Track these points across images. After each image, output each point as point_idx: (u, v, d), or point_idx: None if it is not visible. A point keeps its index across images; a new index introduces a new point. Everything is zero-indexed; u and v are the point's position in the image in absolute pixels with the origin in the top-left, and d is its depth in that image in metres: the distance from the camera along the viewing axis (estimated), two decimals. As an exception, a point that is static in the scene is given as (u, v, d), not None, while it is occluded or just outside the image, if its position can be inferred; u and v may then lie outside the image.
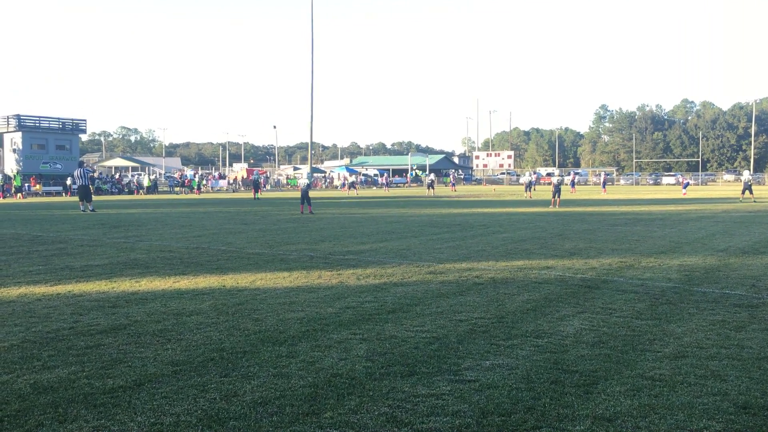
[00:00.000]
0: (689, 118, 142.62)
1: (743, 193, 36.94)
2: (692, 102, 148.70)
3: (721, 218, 22.45)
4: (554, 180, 32.74)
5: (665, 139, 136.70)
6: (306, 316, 7.26)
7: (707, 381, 5.02)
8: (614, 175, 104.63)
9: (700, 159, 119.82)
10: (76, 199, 34.55)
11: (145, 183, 61.52)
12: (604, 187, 52.97)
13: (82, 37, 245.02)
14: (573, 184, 56.00)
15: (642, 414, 4.37)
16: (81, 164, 31.65)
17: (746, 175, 38.94)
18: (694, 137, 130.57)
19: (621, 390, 4.82)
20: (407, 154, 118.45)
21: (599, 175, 76.96)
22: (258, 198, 43.13)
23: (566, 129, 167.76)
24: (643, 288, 8.94)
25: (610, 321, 6.98)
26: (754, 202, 34.61)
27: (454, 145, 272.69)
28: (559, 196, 31.10)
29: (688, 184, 52.72)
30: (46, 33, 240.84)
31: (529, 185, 43.97)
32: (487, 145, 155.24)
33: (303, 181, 27.97)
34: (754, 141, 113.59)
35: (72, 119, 61.62)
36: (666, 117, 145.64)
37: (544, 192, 48.89)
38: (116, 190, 58.93)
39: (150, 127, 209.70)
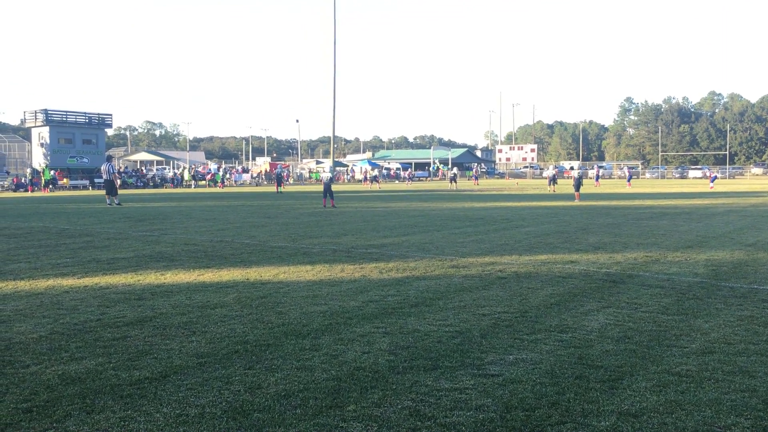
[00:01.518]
0: (716, 110, 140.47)
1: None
2: (720, 94, 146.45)
3: (749, 212, 22.09)
4: (574, 174, 32.54)
5: (692, 132, 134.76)
6: (329, 309, 7.28)
7: (735, 377, 4.95)
8: (639, 168, 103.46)
9: (727, 152, 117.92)
10: (102, 192, 34.97)
11: (186, 176, 62.33)
12: (629, 181, 52.39)
13: (108, 33, 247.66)
14: (597, 177, 55.49)
15: (668, 410, 4.32)
16: (109, 159, 32.05)
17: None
18: (722, 130, 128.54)
19: (647, 386, 4.77)
20: (429, 148, 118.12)
21: (623, 168, 76.08)
22: (281, 192, 43.32)
23: (590, 122, 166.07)
24: (669, 283, 8.84)
25: (636, 316, 6.91)
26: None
27: (477, 138, 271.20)
28: (578, 190, 30.90)
29: (715, 177, 51.99)
30: (73, 28, 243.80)
31: (552, 179, 43.76)
32: (510, 139, 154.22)
33: (326, 175, 28.08)
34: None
35: (98, 114, 62.36)
36: (693, 109, 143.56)
37: (566, 185, 48.49)
38: (141, 184, 59.55)
39: (174, 121, 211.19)
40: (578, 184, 31.22)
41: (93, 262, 11.08)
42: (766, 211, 22.39)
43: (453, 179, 53.00)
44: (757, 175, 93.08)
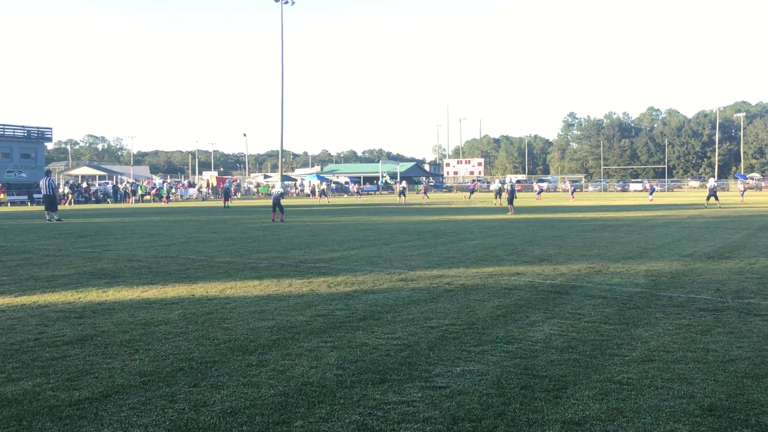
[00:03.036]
0: (655, 125, 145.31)
1: (708, 199, 37.70)
2: (658, 110, 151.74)
3: (687, 224, 22.85)
4: (506, 187, 34.16)
5: (632, 146, 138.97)
6: (276, 324, 7.22)
7: (674, 384, 5.09)
8: (583, 181, 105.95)
9: (666, 165, 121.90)
10: (41, 208, 33.92)
11: (139, 191, 60.92)
12: (572, 194, 53.81)
13: (48, 43, 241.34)
14: (539, 191, 56.82)
15: (610, 418, 4.42)
16: (48, 174, 31.18)
17: (711, 181, 39.84)
18: (660, 144, 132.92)
19: (590, 394, 4.87)
20: (378, 162, 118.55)
21: (566, 182, 78.05)
22: (228, 206, 42.80)
23: (535, 136, 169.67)
24: (611, 293, 9.06)
25: (579, 326, 7.05)
26: (720, 207, 35.30)
27: (425, 152, 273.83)
28: (505, 201, 32.16)
29: (654, 190, 53.58)
30: (10, 38, 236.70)
31: (498, 192, 44.59)
32: (457, 153, 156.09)
33: (276, 190, 27.93)
34: (718, 148, 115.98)
35: (37, 127, 60.66)
36: (633, 124, 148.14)
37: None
38: (83, 199, 58.01)
39: (118, 135, 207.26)
40: (511, 197, 32.33)
41: (31, 279, 10.73)
42: (702, 223, 23.20)
43: (402, 193, 53.31)
44: (694, 187, 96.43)
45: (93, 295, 9.13)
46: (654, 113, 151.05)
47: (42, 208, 30.29)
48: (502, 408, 4.59)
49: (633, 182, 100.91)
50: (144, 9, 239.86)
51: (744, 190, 51.27)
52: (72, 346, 6.32)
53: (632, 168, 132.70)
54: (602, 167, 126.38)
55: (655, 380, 5.19)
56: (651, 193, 50.80)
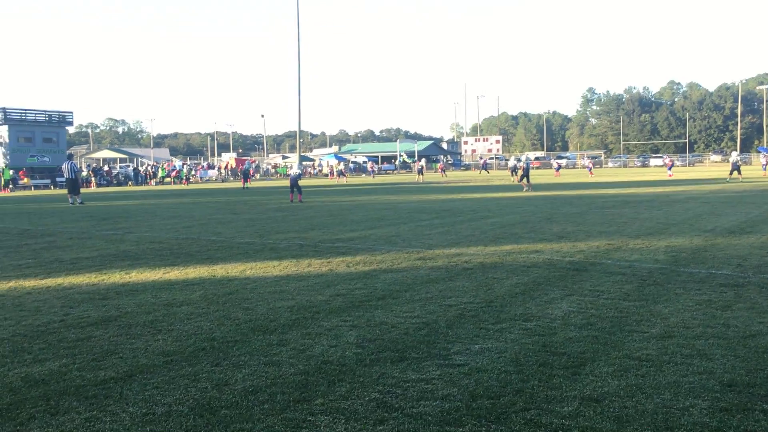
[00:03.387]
0: (676, 99, 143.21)
1: (731, 173, 37.23)
2: (679, 83, 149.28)
3: (708, 199, 22.60)
4: (521, 164, 33.87)
5: (652, 120, 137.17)
6: (296, 304, 7.29)
7: (693, 360, 5.09)
8: (602, 157, 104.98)
9: (687, 140, 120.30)
10: (64, 192, 34.35)
11: (160, 173, 61.41)
12: (590, 170, 53.33)
13: (66, 28, 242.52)
14: (558, 168, 56.40)
15: (629, 394, 4.43)
16: (70, 157, 31.51)
17: (734, 155, 39.28)
18: (681, 119, 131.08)
19: (608, 371, 4.88)
20: (396, 141, 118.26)
21: (584, 158, 77.43)
22: (247, 187, 43.02)
23: (554, 113, 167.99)
24: (631, 270, 9.02)
25: (598, 303, 7.05)
26: (742, 181, 34.85)
27: (443, 130, 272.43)
28: (524, 179, 31.82)
29: (673, 165, 52.84)
30: (31, 25, 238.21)
31: (514, 169, 44.29)
32: (475, 131, 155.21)
33: (294, 171, 28.01)
34: (741, 121, 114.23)
35: (58, 111, 61.16)
36: (653, 99, 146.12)
37: (532, 176, 48.99)
38: (104, 182, 58.59)
39: (137, 118, 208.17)
40: (526, 174, 32.16)
41: (56, 262, 10.90)
42: (724, 198, 22.94)
43: (420, 171, 53.20)
44: (716, 162, 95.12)
45: (116, 277, 9.27)
46: (675, 87, 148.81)
47: (65, 191, 30.63)
48: (520, 385, 4.62)
49: (653, 157, 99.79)
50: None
51: (767, 164, 50.44)
52: (96, 327, 6.44)
53: (653, 143, 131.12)
54: (622, 143, 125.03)
55: (674, 356, 5.18)
56: (670, 169, 50.20)
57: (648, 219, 15.89)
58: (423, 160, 60.63)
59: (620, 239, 12.16)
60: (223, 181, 66.34)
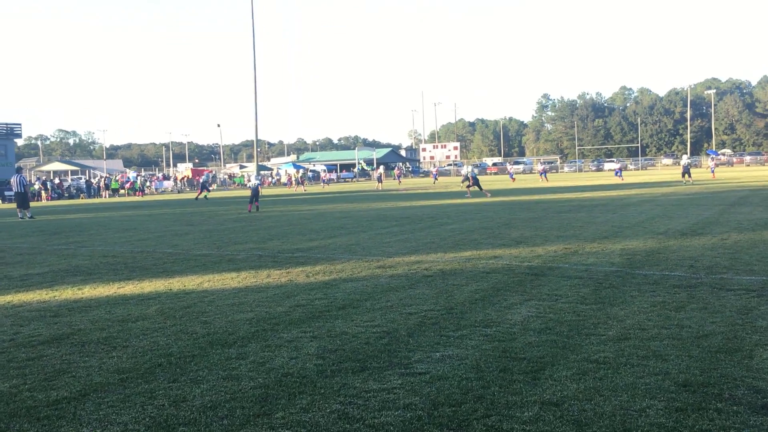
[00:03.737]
0: (628, 104, 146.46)
1: (683, 176, 38.25)
2: (630, 89, 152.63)
3: (661, 201, 23.13)
4: (463, 172, 35.22)
5: (606, 125, 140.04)
6: (255, 316, 7.20)
7: (649, 361, 5.17)
8: (558, 162, 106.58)
9: (639, 144, 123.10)
10: (12, 206, 33.44)
11: (112, 185, 60.10)
12: (543, 176, 54.14)
13: (15, 37, 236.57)
14: (511, 174, 56.89)
15: (587, 397, 4.48)
16: (19, 171, 30.75)
17: (684, 159, 40.42)
18: (634, 123, 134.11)
19: (567, 374, 4.93)
20: (354, 149, 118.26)
21: (541, 163, 78.51)
22: (207, 198, 42.11)
23: (510, 119, 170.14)
24: (588, 273, 9.16)
25: (556, 307, 7.12)
26: (692, 184, 35.78)
27: (401, 138, 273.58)
28: (470, 187, 32.30)
29: (620, 170, 53.70)
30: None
31: (466, 177, 44.75)
32: (433, 137, 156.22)
33: (254, 182, 27.81)
34: (690, 125, 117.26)
35: (6, 123, 59.67)
36: (606, 104, 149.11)
37: (488, 182, 49.48)
38: (56, 195, 57.21)
39: (89, 129, 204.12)
40: (475, 182, 32.93)
41: (4, 279, 10.58)
42: (676, 200, 23.50)
43: (379, 179, 53.32)
44: (668, 165, 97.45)
45: (68, 293, 9.04)
46: (626, 92, 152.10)
47: (14, 206, 29.83)
48: (481, 391, 4.63)
49: (607, 161, 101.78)
50: (114, 1, 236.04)
51: (715, 167, 51.93)
52: (48, 346, 6.26)
53: (606, 147, 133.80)
54: (577, 148, 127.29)
55: (631, 358, 5.26)
56: (617, 174, 51.01)
57: (603, 222, 16.17)
58: (381, 167, 60.76)
59: (577, 243, 12.34)
60: (179, 192, 65.37)
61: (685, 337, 5.80)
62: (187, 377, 5.16)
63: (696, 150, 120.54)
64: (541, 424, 4.06)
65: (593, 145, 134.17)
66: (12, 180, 28.94)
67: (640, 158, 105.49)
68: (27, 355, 5.95)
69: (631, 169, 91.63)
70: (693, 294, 7.55)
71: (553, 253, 11.21)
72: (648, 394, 4.50)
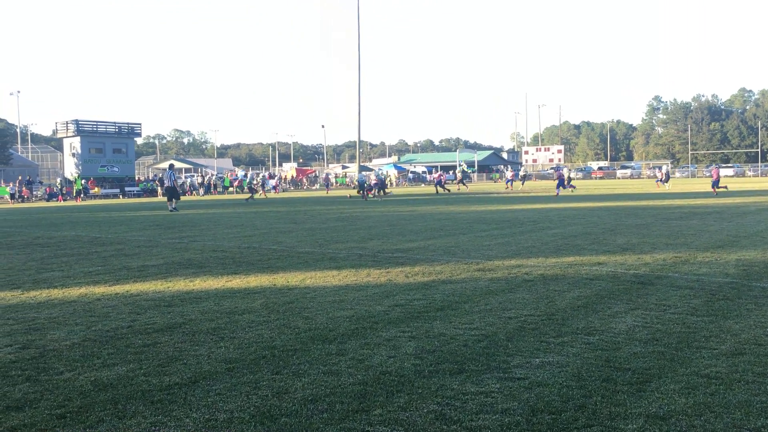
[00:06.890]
0: (747, 107, 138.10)
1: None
2: (750, 91, 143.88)
3: (782, 210, 21.68)
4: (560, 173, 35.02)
5: (722, 129, 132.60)
6: (355, 314, 7.33)
7: (765, 379, 4.88)
8: (669, 167, 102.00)
9: (759, 149, 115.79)
10: (131, 201, 35.56)
11: (226, 182, 63.30)
12: (663, 181, 47.45)
13: (137, 43, 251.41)
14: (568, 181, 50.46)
15: (697, 412, 4.28)
16: (170, 167, 33.14)
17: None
18: (753, 127, 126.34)
19: (675, 388, 4.73)
20: (455, 151, 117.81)
21: (651, 168, 74.65)
22: (253, 199, 41.47)
23: (618, 121, 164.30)
24: (699, 284, 8.73)
25: (664, 318, 6.84)
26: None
27: (503, 140, 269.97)
28: (561, 188, 31.80)
29: (717, 180, 38.09)
30: (102, 40, 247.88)
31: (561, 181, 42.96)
32: (536, 140, 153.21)
33: (372, 177, 29.29)
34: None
35: (127, 123, 63.42)
36: (723, 107, 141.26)
37: (584, 187, 47.88)
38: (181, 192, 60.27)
39: (202, 129, 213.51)
40: (561, 182, 32.39)
41: (124, 269, 11.26)
42: (799, 209, 21.96)
43: (510, 181, 53.85)
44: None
45: (181, 285, 9.51)
46: (746, 94, 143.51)
47: (135, 200, 32.06)
48: (582, 401, 4.52)
49: (723, 167, 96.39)
50: (223, 6, 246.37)
51: None
52: (162, 334, 6.62)
53: (722, 152, 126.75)
54: (690, 152, 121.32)
55: (745, 374, 4.98)
56: (665, 182, 43.43)
57: (717, 231, 15.35)
58: (510, 167, 60.65)
59: (688, 252, 11.78)
60: (284, 191, 67.30)
61: (808, 356, 5.42)
62: (289, 370, 5.33)
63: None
64: (645, 438, 3.92)
65: (708, 150, 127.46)
66: (165, 175, 31.79)
67: (759, 164, 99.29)
68: (143, 342, 6.32)
69: (750, 176, 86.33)
70: (817, 310, 7.05)
71: (661, 261, 10.76)
72: (764, 412, 4.24)
